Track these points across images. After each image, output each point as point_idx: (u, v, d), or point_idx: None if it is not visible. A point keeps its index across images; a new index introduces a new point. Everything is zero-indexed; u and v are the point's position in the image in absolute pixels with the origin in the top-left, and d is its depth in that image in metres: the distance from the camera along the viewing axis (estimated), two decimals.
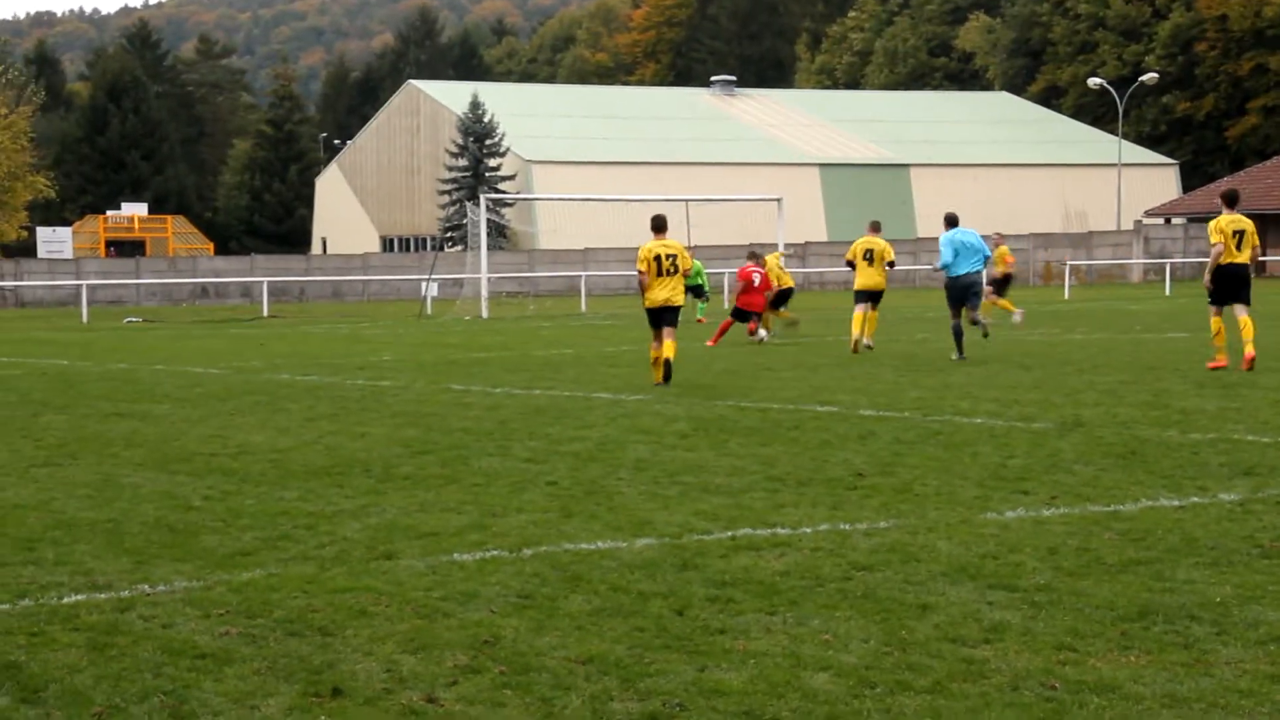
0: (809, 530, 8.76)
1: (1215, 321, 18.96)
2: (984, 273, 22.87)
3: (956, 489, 10.08)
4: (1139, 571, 7.52)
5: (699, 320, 36.52)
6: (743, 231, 64.23)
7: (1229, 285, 19.04)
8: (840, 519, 9.10)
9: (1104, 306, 41.14)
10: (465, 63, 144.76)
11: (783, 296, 29.71)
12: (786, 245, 31.74)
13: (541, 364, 22.99)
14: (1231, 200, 19.48)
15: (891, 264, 24.81)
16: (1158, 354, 21.84)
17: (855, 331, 23.68)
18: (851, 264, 24.78)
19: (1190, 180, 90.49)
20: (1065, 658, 6.08)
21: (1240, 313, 18.88)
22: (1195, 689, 5.63)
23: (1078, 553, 7.98)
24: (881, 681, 5.82)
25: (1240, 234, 18.98)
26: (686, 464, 11.49)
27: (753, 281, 28.44)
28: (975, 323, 22.70)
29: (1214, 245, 19.02)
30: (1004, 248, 33.26)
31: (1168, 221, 75.68)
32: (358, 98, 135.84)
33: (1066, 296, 50.97)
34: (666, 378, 18.64)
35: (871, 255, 24.49)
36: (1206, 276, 19.37)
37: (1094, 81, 79.37)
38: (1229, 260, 18.99)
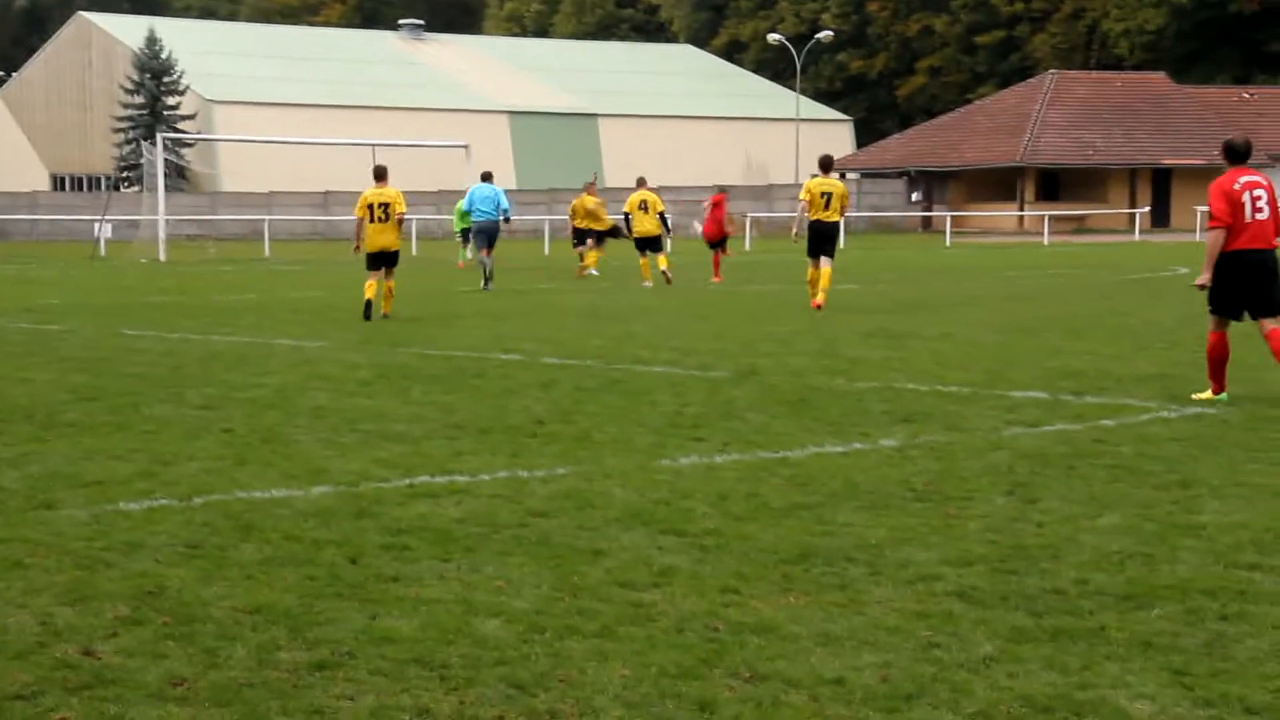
0: (487, 477, 8.80)
1: (810, 271, 21.64)
2: (498, 222, 27.76)
3: (634, 436, 10.25)
4: (802, 516, 7.78)
5: (459, 265, 36.68)
6: (432, 178, 63.75)
7: (819, 240, 21.59)
8: (519, 466, 9.16)
9: (782, 258, 42.30)
10: None
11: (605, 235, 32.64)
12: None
13: (221, 309, 22.45)
14: (825, 165, 22.38)
15: (662, 214, 29.30)
16: (830, 303, 22.52)
17: (646, 275, 28.82)
18: (629, 215, 29.13)
19: (863, 136, 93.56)
20: (729, 600, 6.25)
21: (824, 264, 21.53)
22: (848, 627, 5.86)
23: (746, 498, 8.21)
24: (551, 626, 5.89)
25: (828, 195, 21.61)
26: (367, 411, 11.39)
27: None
28: (482, 263, 27.97)
29: (800, 203, 21.87)
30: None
31: (842, 176, 78.09)
32: (23, 28, 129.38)
33: (748, 248, 52.25)
34: (367, 315, 19.89)
35: (646, 206, 28.99)
36: (795, 230, 22.47)
37: (773, 37, 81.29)
38: (818, 218, 21.59)
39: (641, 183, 30.28)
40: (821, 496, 8.24)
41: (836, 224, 21.88)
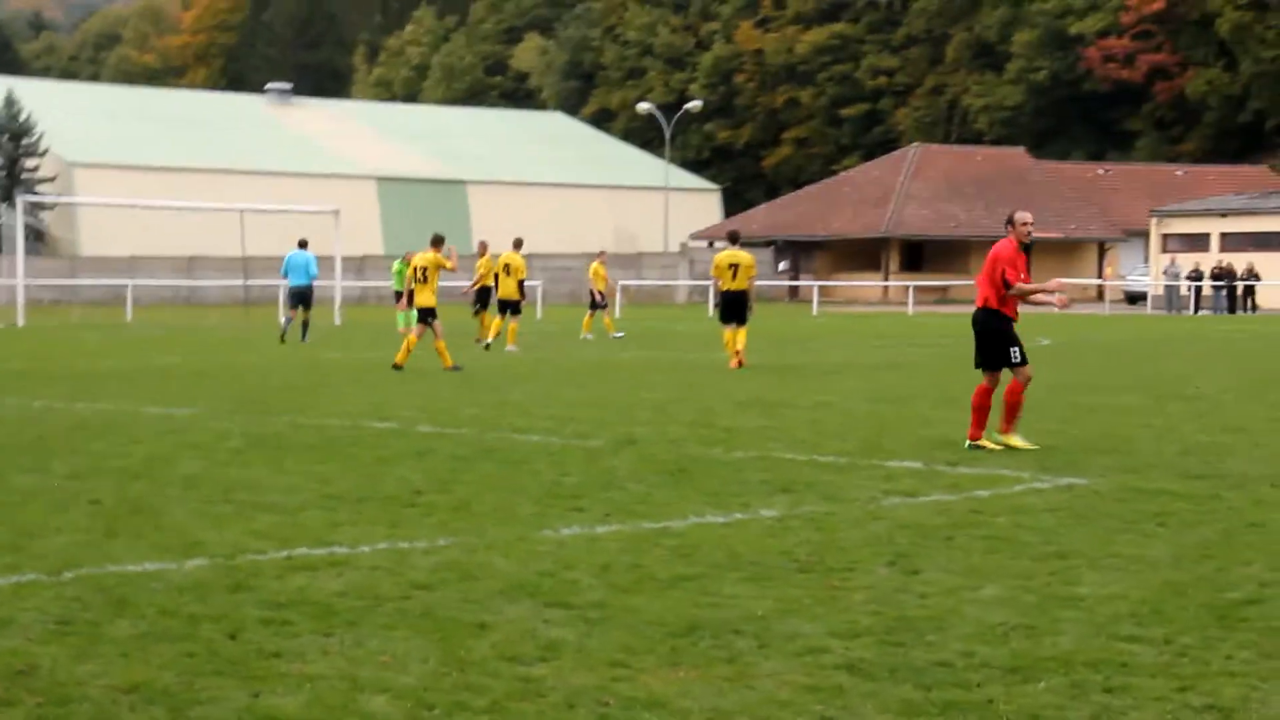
0: (367, 549, 8.67)
1: (725, 335, 23.84)
2: (311, 285, 31.74)
3: (514, 506, 10.18)
4: (687, 587, 7.76)
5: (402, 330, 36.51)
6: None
7: (729, 308, 23.68)
8: (399, 537, 9.05)
9: (652, 326, 42.46)
10: None
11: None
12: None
13: (85, 376, 22.00)
14: (732, 238, 25.12)
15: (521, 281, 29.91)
16: (701, 373, 22.71)
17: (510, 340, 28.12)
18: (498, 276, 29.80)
19: (731, 206, 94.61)
20: (618, 674, 6.20)
21: (736, 329, 23.56)
22: (739, 702, 5.84)
23: (630, 569, 8.17)
24: (440, 703, 5.80)
25: (735, 267, 23.72)
26: (240, 481, 11.19)
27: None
28: (304, 324, 31.27)
29: (713, 277, 24.39)
30: (596, 264, 36.24)
31: (711, 245, 78.76)
32: None
33: (617, 315, 52.29)
34: (396, 362, 22.75)
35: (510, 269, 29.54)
36: (714, 300, 24.64)
37: (643, 106, 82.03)
38: (726, 288, 23.75)
39: (518, 245, 31.11)
40: (705, 567, 8.23)
41: (744, 292, 23.66)
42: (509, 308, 29.59)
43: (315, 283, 32.18)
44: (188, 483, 11.11)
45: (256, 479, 11.34)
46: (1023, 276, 13.11)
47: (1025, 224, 13.19)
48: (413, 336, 23.31)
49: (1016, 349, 13.17)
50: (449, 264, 23.53)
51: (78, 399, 17.89)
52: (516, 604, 7.37)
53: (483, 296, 31.68)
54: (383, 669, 6.24)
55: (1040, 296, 13.48)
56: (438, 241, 23.77)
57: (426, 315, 23.26)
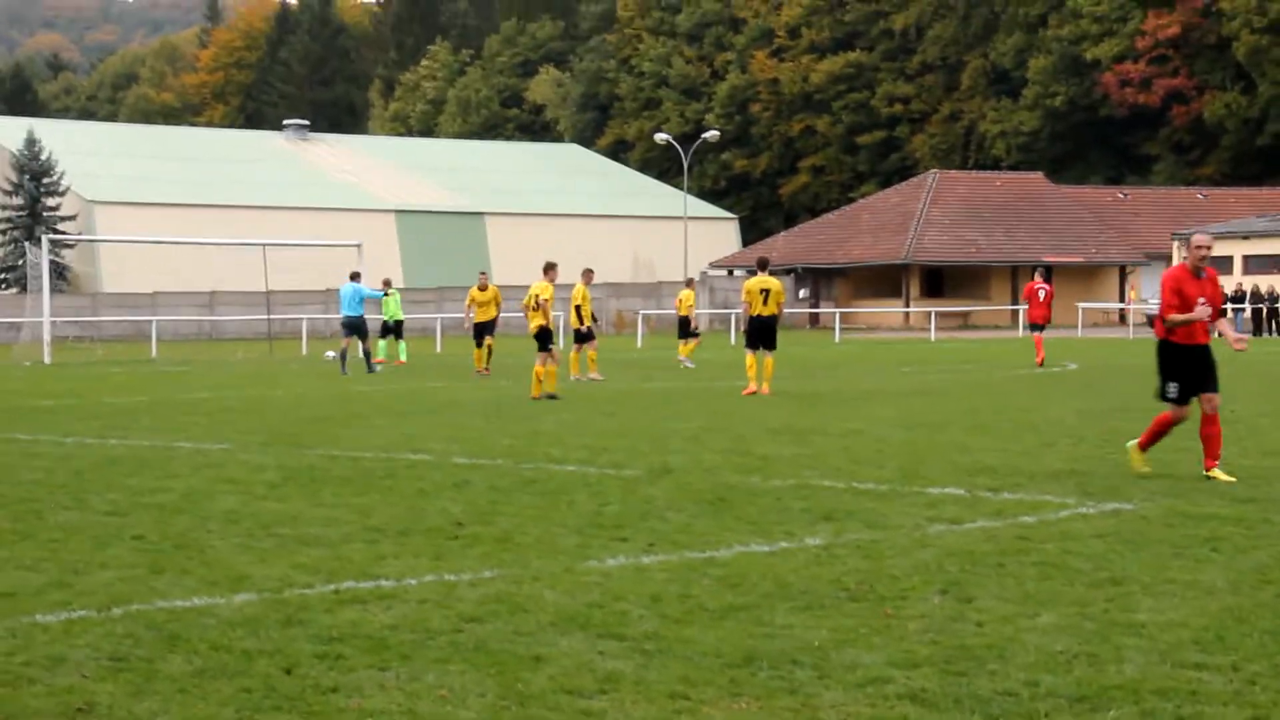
0: (413, 582, 8.63)
1: (749, 359, 23.90)
2: (362, 316, 33.33)
3: (556, 537, 10.13)
4: (740, 617, 7.69)
5: (378, 361, 36.48)
6: (322, 277, 63.19)
7: (758, 334, 23.85)
8: (444, 569, 9.00)
9: (675, 355, 42.29)
10: (18, 97, 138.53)
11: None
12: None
13: (115, 412, 22.01)
14: (762, 264, 25.20)
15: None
16: (729, 401, 22.63)
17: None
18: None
19: (749, 234, 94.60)
20: (680, 706, 6.15)
21: (765, 356, 23.77)
22: None
23: (680, 599, 8.11)
24: None
25: (766, 292, 23.90)
26: (280, 515, 11.16)
27: (1038, 296, 33.40)
28: (365, 355, 33.18)
29: (744, 302, 24.22)
30: (686, 291, 36.54)
31: (730, 273, 78.83)
32: None
33: (639, 345, 52.30)
34: (548, 396, 22.92)
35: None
36: (743, 326, 24.60)
37: (660, 137, 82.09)
38: (757, 313, 23.88)
39: (587, 275, 30.62)
40: (756, 597, 8.16)
41: (774, 317, 23.98)
42: (580, 337, 29.68)
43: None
44: (228, 517, 11.08)
45: (296, 512, 11.31)
46: (1200, 301, 12.32)
47: (1200, 247, 12.44)
48: (541, 366, 23.14)
49: (1173, 385, 12.56)
50: (545, 295, 23.60)
51: (109, 435, 17.90)
52: (569, 636, 7.32)
53: (481, 330, 31.70)
54: (441, 703, 6.19)
55: (1212, 324, 12.53)
56: (550, 268, 23.94)
57: (546, 340, 23.35)
